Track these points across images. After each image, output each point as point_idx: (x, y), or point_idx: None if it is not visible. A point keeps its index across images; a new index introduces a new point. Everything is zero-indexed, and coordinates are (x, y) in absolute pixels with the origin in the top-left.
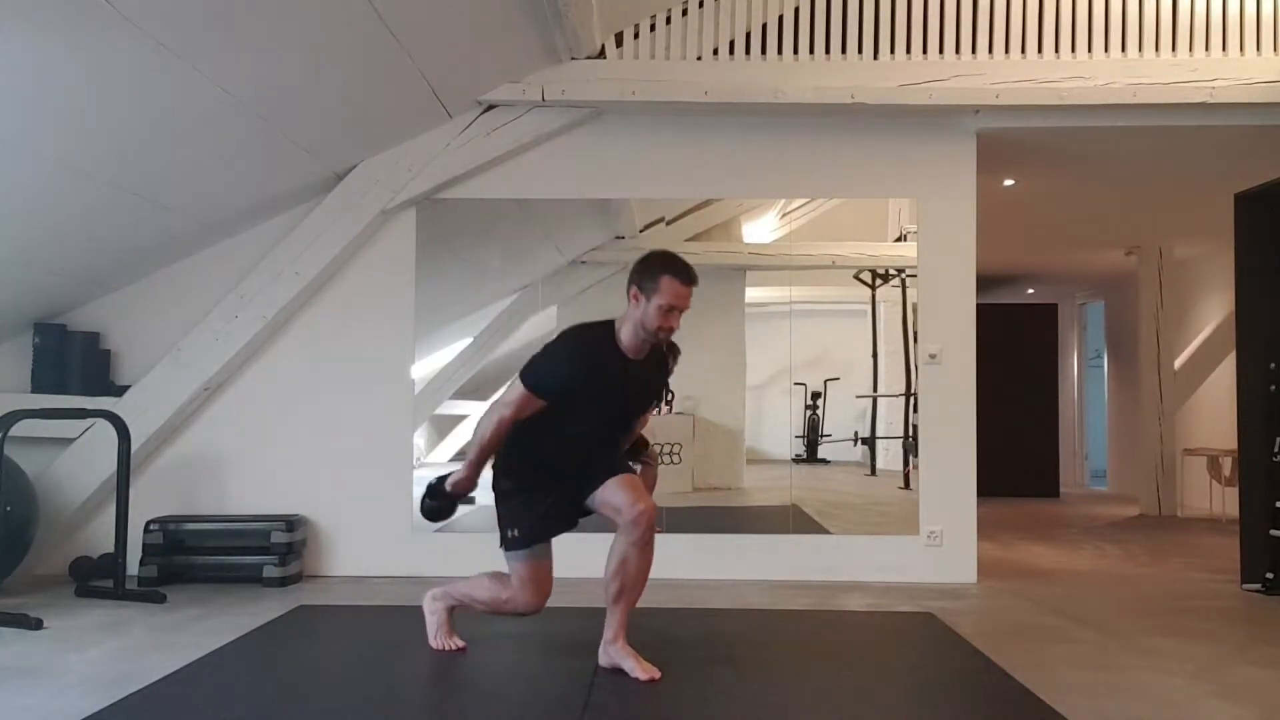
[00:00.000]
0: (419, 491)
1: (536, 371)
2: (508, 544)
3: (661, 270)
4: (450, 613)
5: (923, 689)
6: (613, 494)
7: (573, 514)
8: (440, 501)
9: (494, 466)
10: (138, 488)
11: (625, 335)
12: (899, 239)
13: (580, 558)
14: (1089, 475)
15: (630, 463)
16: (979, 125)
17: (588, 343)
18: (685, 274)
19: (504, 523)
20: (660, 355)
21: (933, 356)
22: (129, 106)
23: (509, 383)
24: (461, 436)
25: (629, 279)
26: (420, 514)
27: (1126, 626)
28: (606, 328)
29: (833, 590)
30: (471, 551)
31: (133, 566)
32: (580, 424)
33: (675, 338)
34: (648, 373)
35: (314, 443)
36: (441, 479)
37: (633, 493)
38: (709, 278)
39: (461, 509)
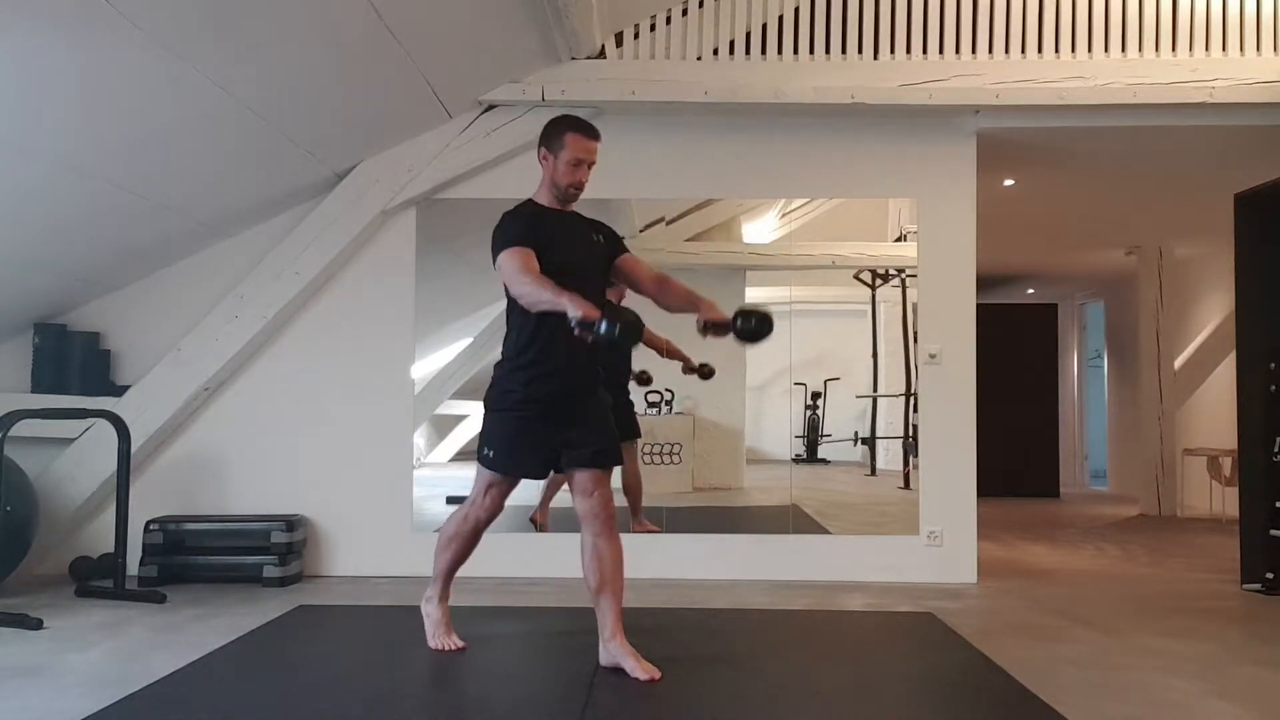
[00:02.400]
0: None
1: (504, 237)
2: (482, 460)
3: (566, 129)
4: (447, 611)
5: (923, 689)
6: (577, 482)
7: (549, 458)
8: (613, 322)
9: (495, 373)
10: (138, 488)
11: (543, 198)
12: (899, 239)
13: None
14: (1089, 475)
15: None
16: (979, 125)
17: (517, 208)
18: (588, 129)
19: (484, 439)
20: (603, 228)
21: (933, 356)
22: (129, 106)
23: (502, 257)
24: (462, 437)
25: (538, 145)
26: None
27: (1126, 626)
28: (525, 202)
29: (833, 590)
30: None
31: (133, 566)
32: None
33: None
34: (592, 231)
35: (314, 443)
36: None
37: (589, 484)
38: (709, 278)
39: None
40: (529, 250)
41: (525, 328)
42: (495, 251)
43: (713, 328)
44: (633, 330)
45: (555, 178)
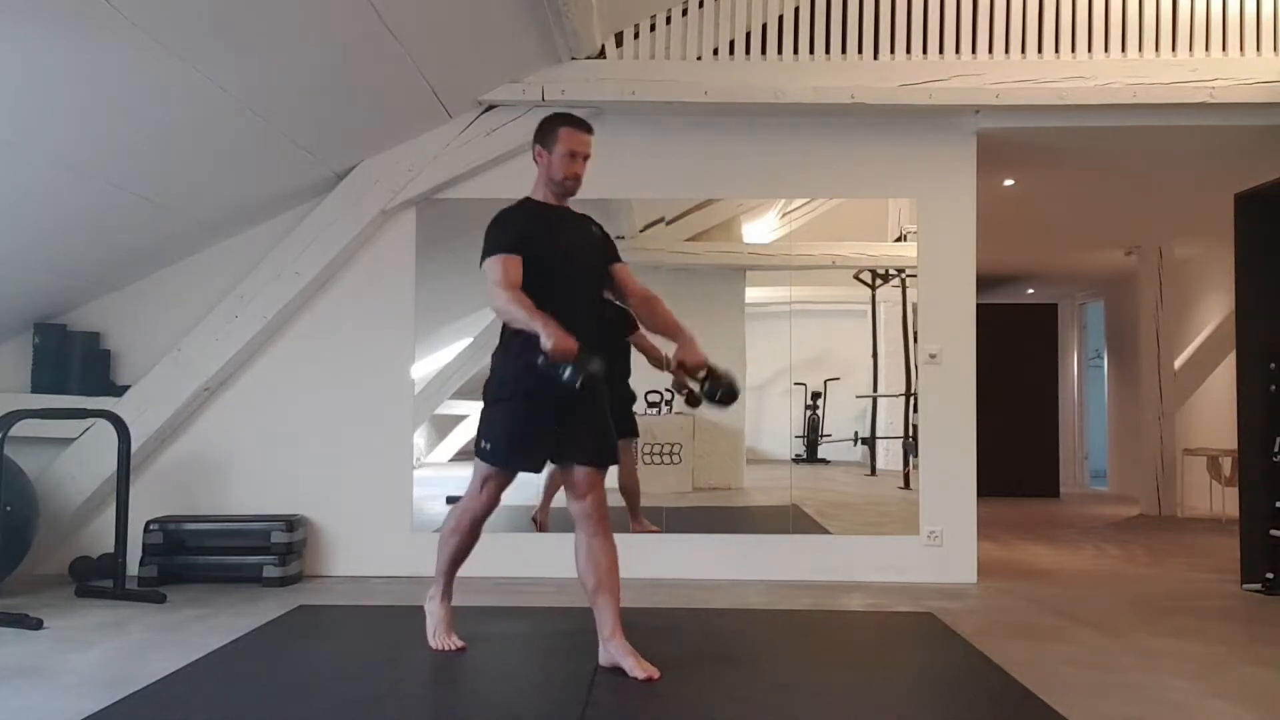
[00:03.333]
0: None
1: (494, 242)
2: (480, 453)
3: (559, 124)
4: (449, 610)
5: (923, 689)
6: (570, 480)
7: (547, 452)
8: (579, 370)
9: (489, 375)
10: (138, 488)
11: (539, 195)
12: (899, 239)
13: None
14: (1089, 475)
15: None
16: (979, 125)
17: (512, 208)
18: (580, 122)
19: (482, 432)
20: (598, 228)
21: (933, 356)
22: (129, 106)
23: (488, 263)
24: (462, 437)
25: (532, 144)
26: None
27: (1126, 626)
28: (522, 201)
29: (833, 590)
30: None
31: (133, 566)
32: (551, 282)
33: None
34: (587, 228)
35: (314, 443)
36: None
37: (584, 484)
38: (709, 278)
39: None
40: (516, 259)
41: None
42: (483, 255)
43: (682, 369)
44: (594, 382)
45: (551, 173)
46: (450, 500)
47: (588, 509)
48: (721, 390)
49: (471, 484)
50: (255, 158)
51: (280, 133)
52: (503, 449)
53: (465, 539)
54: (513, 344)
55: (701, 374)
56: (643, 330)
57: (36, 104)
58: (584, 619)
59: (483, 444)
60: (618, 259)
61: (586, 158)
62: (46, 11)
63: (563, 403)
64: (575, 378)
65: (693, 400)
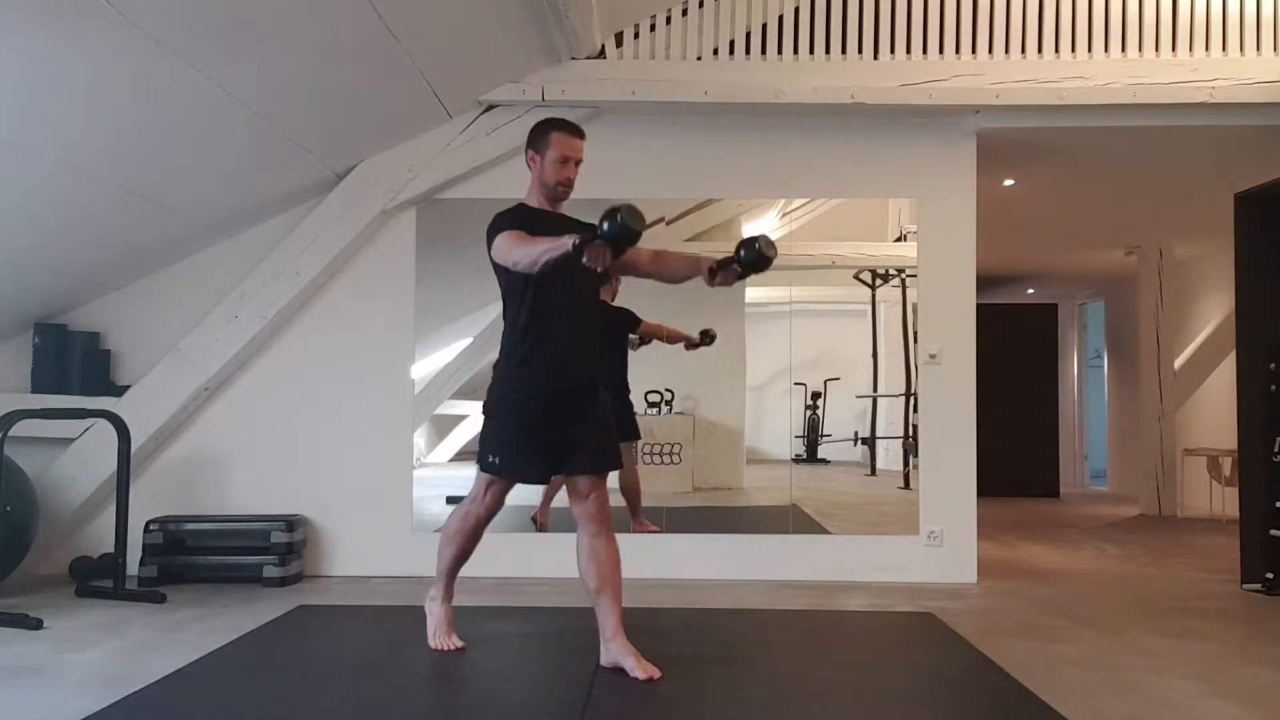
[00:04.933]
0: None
1: (497, 227)
2: (484, 466)
3: (550, 128)
4: (450, 611)
5: (923, 689)
6: (574, 485)
7: (552, 462)
8: (614, 221)
9: (493, 375)
10: (138, 488)
11: (533, 200)
12: (899, 239)
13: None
14: (1089, 475)
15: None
16: (979, 125)
17: (507, 211)
18: (573, 127)
19: (485, 446)
20: (593, 227)
21: (933, 356)
22: (129, 106)
23: (495, 241)
24: (462, 436)
25: (525, 150)
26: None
27: (1126, 626)
28: (516, 204)
29: (833, 590)
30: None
31: (133, 566)
32: (550, 297)
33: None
34: (580, 227)
35: (314, 443)
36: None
37: (586, 487)
38: None
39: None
40: (521, 232)
41: (518, 325)
42: (490, 240)
43: (720, 268)
44: (632, 213)
45: (544, 177)
46: (450, 500)
47: (590, 510)
48: (758, 244)
49: (474, 488)
50: (255, 158)
51: (280, 133)
52: (507, 461)
53: (467, 542)
54: (513, 356)
55: (739, 252)
56: (646, 323)
57: (37, 104)
58: (584, 619)
59: (489, 458)
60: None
61: (578, 162)
62: (47, 12)
63: (564, 412)
64: (615, 222)
65: (708, 338)
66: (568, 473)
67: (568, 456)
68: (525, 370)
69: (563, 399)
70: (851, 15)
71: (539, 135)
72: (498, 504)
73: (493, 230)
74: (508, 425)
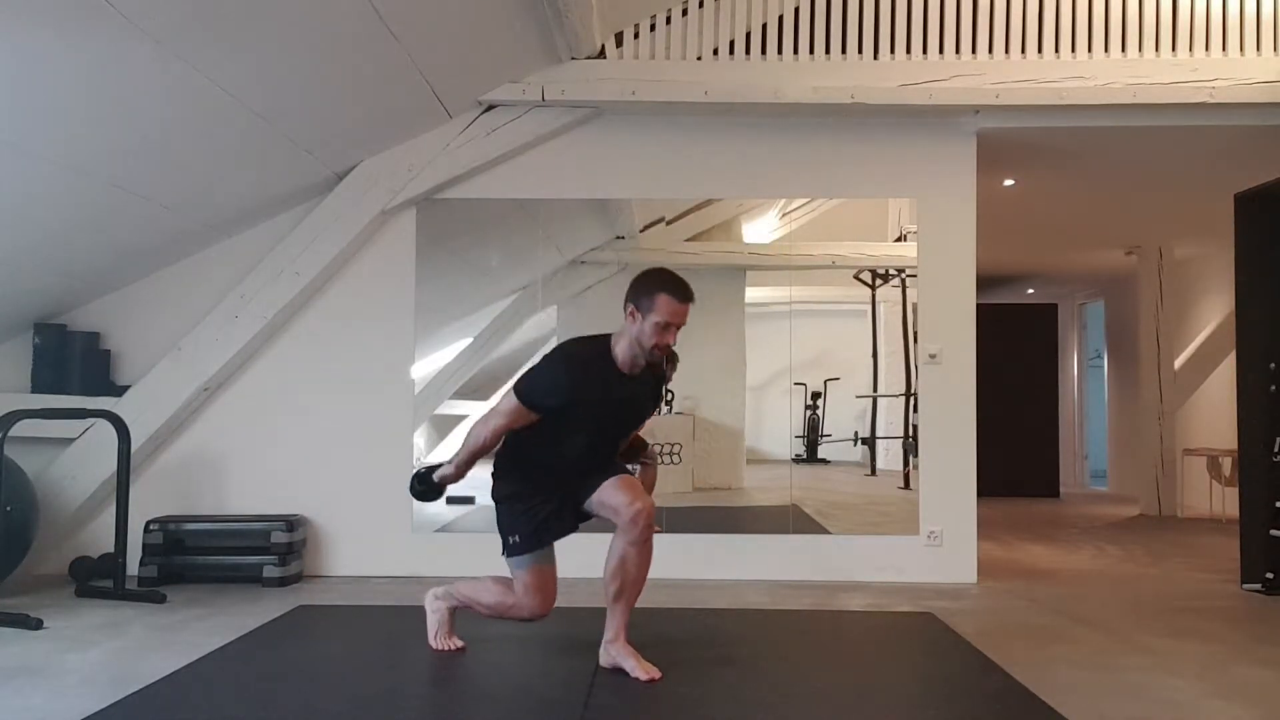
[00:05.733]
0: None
1: (530, 385)
2: (509, 550)
3: (658, 288)
4: (452, 613)
5: (923, 689)
6: (610, 495)
7: (572, 519)
8: (426, 487)
9: (493, 474)
10: (138, 488)
11: (621, 351)
12: (899, 239)
13: (581, 558)
14: (1089, 475)
15: (629, 465)
16: (979, 125)
17: (581, 360)
18: (682, 291)
19: (505, 530)
20: (658, 367)
21: (933, 356)
22: (129, 106)
23: (505, 391)
24: (461, 436)
25: (626, 296)
26: (409, 491)
27: (1126, 626)
28: (602, 344)
29: (833, 590)
30: (472, 551)
31: (133, 566)
32: (573, 436)
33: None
34: (643, 388)
35: (314, 443)
36: (430, 469)
37: (630, 492)
38: (709, 278)
39: (460, 509)
40: (533, 416)
41: (538, 440)
42: (527, 380)
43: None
44: (412, 492)
45: (641, 338)
46: (450, 501)
47: (638, 513)
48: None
49: (516, 584)
50: (255, 158)
51: (280, 133)
52: (530, 535)
53: (495, 614)
54: (521, 447)
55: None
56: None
57: (37, 104)
58: (584, 619)
59: (510, 540)
60: (659, 401)
61: (680, 327)
62: (47, 12)
63: (567, 485)
64: (421, 490)
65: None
66: (596, 503)
67: (581, 505)
68: (537, 479)
69: (573, 479)
70: (851, 15)
71: (644, 292)
72: (548, 600)
73: (534, 377)
74: (516, 506)
